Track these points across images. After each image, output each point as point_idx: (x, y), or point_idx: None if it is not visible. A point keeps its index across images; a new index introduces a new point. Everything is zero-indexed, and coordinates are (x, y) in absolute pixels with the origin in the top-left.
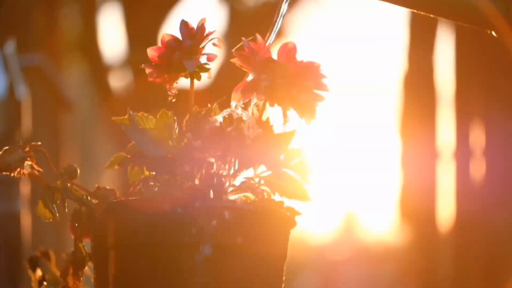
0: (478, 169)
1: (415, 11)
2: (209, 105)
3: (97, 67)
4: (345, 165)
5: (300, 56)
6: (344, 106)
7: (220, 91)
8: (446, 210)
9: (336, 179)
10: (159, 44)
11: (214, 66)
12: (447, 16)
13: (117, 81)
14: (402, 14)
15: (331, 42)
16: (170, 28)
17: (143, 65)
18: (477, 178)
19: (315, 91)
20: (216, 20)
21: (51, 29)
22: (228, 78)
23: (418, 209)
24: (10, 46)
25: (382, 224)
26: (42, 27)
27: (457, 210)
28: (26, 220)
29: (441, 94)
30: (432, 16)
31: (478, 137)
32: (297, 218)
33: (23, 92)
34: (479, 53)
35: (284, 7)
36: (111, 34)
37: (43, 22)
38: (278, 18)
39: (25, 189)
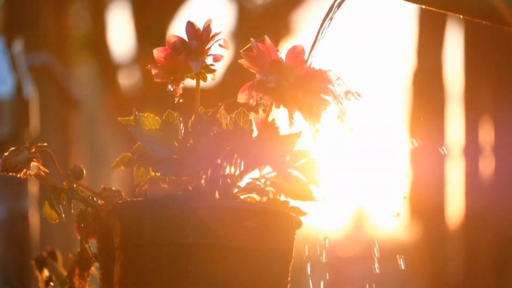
0: (487, 166)
1: (429, 8)
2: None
3: (105, 66)
4: (354, 162)
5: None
6: (353, 104)
7: (229, 90)
8: (455, 207)
9: (345, 176)
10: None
11: (227, 64)
12: (463, 13)
13: (126, 80)
14: (411, 12)
15: (340, 41)
16: (180, 25)
17: (149, 66)
18: (486, 175)
19: (322, 95)
20: (226, 18)
21: (59, 28)
22: (240, 76)
23: (427, 206)
24: (18, 46)
25: (391, 221)
26: (50, 26)
27: (466, 207)
28: (34, 219)
29: (450, 92)
30: (447, 13)
31: (487, 134)
32: (304, 216)
33: (31, 91)
34: (488, 50)
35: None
36: (119, 33)
37: (51, 21)
38: (323, 27)
39: (33, 188)
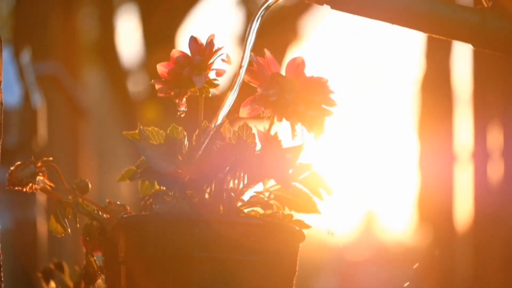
0: (495, 170)
1: (396, 25)
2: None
3: (113, 74)
4: (364, 166)
5: (309, 71)
6: (363, 108)
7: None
8: (464, 210)
9: (355, 180)
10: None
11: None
12: (426, 30)
13: (134, 87)
14: None
15: (349, 45)
16: (188, 31)
17: (152, 81)
18: (495, 179)
19: (323, 106)
20: (233, 23)
21: (67, 37)
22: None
23: (436, 210)
24: (25, 55)
25: (401, 225)
26: (58, 35)
27: (475, 210)
28: (42, 228)
29: (459, 96)
30: (410, 29)
31: (495, 138)
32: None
33: (38, 100)
34: (496, 55)
35: (256, 24)
36: (128, 40)
37: (59, 30)
38: (250, 35)
39: (41, 198)
